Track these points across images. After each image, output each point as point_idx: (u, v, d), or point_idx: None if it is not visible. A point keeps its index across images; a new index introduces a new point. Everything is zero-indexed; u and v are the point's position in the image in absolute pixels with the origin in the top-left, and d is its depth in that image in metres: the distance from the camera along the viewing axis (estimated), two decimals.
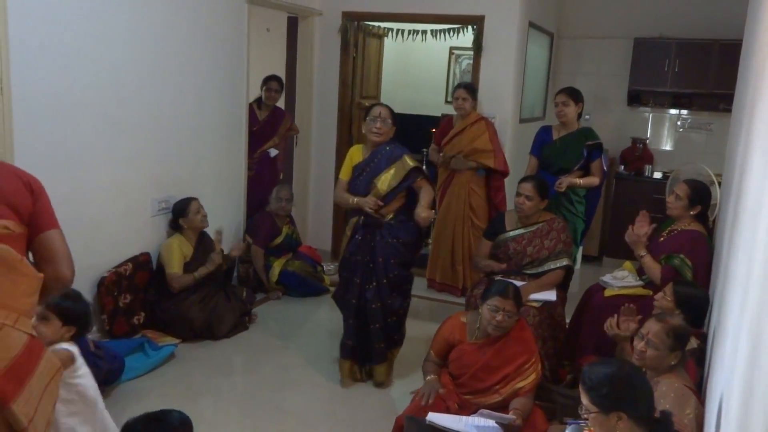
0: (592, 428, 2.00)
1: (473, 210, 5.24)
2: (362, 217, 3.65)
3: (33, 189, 1.97)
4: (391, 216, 3.66)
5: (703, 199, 3.65)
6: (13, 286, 1.74)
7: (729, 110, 6.00)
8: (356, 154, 3.81)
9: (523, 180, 3.94)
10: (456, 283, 5.38)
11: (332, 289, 4.30)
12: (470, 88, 5.17)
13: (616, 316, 3.04)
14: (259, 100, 5.60)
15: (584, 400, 1.98)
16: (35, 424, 1.69)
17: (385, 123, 3.67)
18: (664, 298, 2.97)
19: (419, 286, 5.52)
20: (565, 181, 4.40)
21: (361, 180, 3.68)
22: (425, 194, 3.61)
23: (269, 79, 5.61)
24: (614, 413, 1.91)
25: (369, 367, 3.79)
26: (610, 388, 1.93)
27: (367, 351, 3.74)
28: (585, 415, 2.00)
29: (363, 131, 3.83)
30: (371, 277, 3.63)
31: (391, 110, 3.76)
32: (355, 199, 3.65)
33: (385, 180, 3.62)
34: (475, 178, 5.20)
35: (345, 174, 3.80)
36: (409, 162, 3.65)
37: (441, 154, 5.28)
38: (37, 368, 1.76)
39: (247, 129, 5.20)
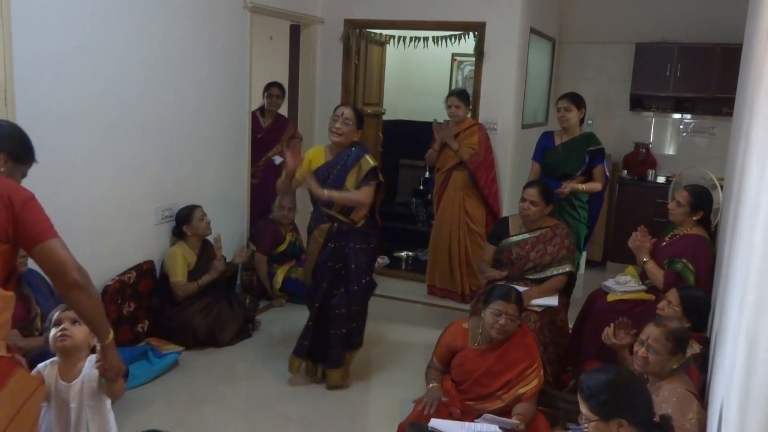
0: None
1: (469, 214, 5.26)
2: (336, 225, 3.61)
3: (13, 204, 1.95)
4: (362, 222, 3.65)
5: (704, 203, 3.65)
6: None
7: (731, 114, 6.00)
8: (317, 156, 3.70)
9: (528, 186, 3.93)
10: (455, 288, 5.38)
11: None
12: (462, 96, 5.20)
13: (612, 325, 3.05)
14: (262, 108, 5.64)
15: (583, 409, 1.97)
16: None
17: (345, 123, 3.57)
18: (670, 307, 2.96)
19: (420, 292, 5.55)
20: (567, 186, 4.40)
21: (329, 184, 3.58)
22: (355, 193, 3.55)
23: (270, 86, 5.64)
24: (614, 420, 1.90)
25: (324, 369, 3.78)
26: (608, 395, 1.92)
27: (323, 353, 3.75)
28: (585, 425, 1.99)
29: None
30: (340, 283, 3.64)
31: (356, 112, 3.66)
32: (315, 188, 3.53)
33: (351, 181, 3.56)
34: (469, 182, 5.22)
35: (300, 176, 3.71)
36: (370, 161, 3.60)
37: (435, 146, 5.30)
38: (4, 389, 1.76)
39: (251, 137, 5.23)
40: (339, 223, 3.61)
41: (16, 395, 1.80)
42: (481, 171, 5.18)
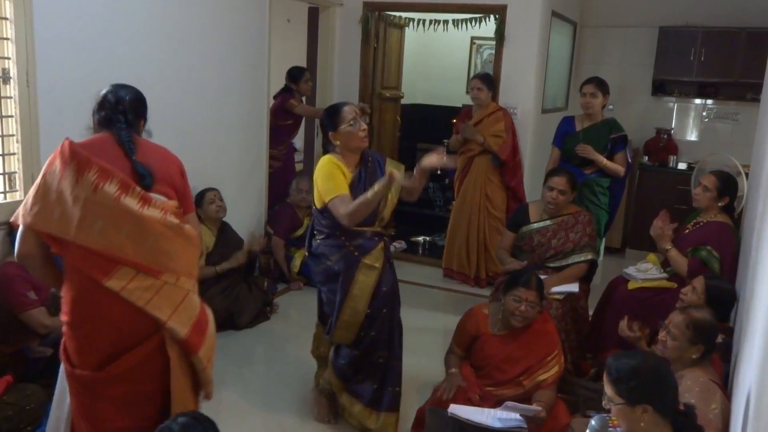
0: (615, 420, 1.98)
1: (489, 199, 5.24)
2: (387, 240, 3.09)
3: (182, 172, 2.32)
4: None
5: (731, 189, 3.60)
6: (192, 258, 2.18)
7: (756, 100, 5.89)
8: (343, 168, 2.94)
9: (555, 174, 3.82)
10: (469, 273, 5.39)
11: None
12: (485, 79, 5.16)
13: (626, 318, 3.03)
14: (291, 93, 5.55)
15: (609, 391, 1.97)
16: (211, 364, 2.19)
17: (365, 120, 3.03)
18: (693, 293, 2.92)
19: (436, 277, 5.55)
20: (588, 150, 4.33)
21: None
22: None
23: (305, 70, 5.59)
24: (640, 406, 1.89)
25: (376, 413, 3.09)
26: (637, 380, 1.91)
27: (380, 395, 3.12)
28: (608, 407, 1.98)
29: (337, 138, 2.93)
30: (396, 309, 3.11)
31: None
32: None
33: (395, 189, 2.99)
34: (492, 167, 5.20)
35: (345, 188, 2.87)
36: (400, 166, 3.07)
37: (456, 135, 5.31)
38: (210, 322, 2.20)
39: (269, 121, 5.21)
40: (387, 238, 3.12)
41: (213, 325, 2.22)
42: (511, 158, 5.17)
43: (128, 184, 2.02)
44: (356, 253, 2.95)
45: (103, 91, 2.27)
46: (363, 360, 3.04)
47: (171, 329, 2.03)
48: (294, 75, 5.54)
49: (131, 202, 2.00)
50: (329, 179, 2.87)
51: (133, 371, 2.05)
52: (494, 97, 5.33)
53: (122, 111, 2.23)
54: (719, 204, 3.57)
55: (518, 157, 5.27)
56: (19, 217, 2.02)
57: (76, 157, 1.99)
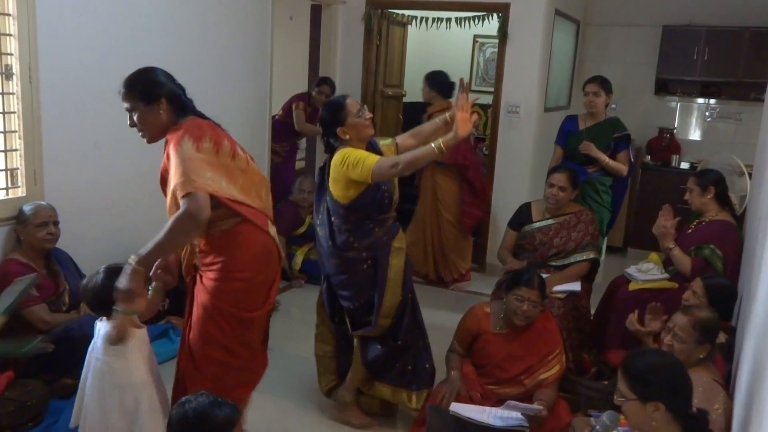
0: (624, 414, 1.97)
1: (440, 201, 5.21)
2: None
3: None
4: None
5: (710, 180, 3.62)
6: None
7: (759, 99, 5.88)
8: None
9: (555, 171, 3.85)
10: (427, 271, 5.34)
11: None
12: (426, 78, 5.25)
13: (636, 312, 3.01)
14: (310, 97, 5.61)
15: (622, 386, 1.95)
16: None
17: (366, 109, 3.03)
18: (695, 298, 2.91)
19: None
20: (591, 147, 4.32)
21: (387, 185, 3.02)
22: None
23: (323, 82, 5.60)
24: (652, 403, 1.88)
25: (416, 392, 3.11)
26: (653, 377, 1.90)
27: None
28: (619, 402, 1.96)
29: (347, 132, 2.91)
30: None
31: None
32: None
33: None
34: (439, 169, 5.10)
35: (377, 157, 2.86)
36: (389, 145, 3.17)
37: None
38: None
39: (270, 119, 5.22)
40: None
41: None
42: (455, 155, 4.88)
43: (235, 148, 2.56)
44: (385, 238, 3.02)
45: (163, 78, 2.62)
46: (397, 346, 3.07)
47: (284, 260, 2.70)
48: (317, 82, 5.59)
49: (254, 166, 2.60)
50: (360, 159, 2.78)
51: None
52: (495, 95, 5.25)
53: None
54: (707, 197, 3.57)
55: (473, 157, 5.16)
56: (198, 185, 2.37)
57: (218, 133, 2.50)
